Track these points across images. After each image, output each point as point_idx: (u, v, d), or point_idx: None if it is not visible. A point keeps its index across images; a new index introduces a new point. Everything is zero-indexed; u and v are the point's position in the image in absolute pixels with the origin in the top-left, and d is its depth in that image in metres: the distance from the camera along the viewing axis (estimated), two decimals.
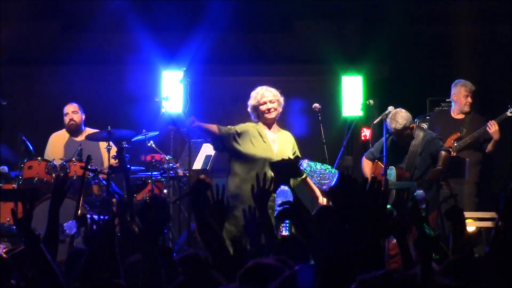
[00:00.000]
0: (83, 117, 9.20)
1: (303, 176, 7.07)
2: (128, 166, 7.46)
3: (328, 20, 11.21)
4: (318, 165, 5.39)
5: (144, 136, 8.80)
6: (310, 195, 7.49)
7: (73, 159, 8.60)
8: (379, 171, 7.91)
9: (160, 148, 8.89)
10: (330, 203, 5.50)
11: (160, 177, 8.95)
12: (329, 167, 5.36)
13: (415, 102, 9.49)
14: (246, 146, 7.17)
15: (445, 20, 11.05)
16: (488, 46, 10.70)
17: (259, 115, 7.26)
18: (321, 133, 7.27)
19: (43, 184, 8.49)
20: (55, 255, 3.94)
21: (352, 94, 9.21)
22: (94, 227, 3.81)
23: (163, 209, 3.41)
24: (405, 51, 11.05)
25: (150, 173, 8.77)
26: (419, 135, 7.82)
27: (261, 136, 7.23)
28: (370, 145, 8.18)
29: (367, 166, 8.15)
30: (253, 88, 8.71)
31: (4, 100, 9.17)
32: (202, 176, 6.91)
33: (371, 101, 8.15)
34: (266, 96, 7.26)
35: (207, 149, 8.74)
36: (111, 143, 8.65)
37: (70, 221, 4.90)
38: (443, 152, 7.73)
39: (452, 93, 8.94)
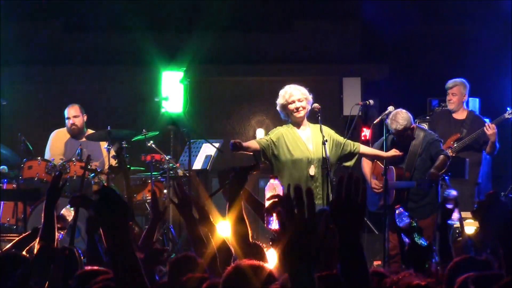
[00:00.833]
0: (85, 118, 9.18)
1: (358, 150, 7.21)
2: (128, 166, 7.46)
3: (328, 20, 11.21)
4: None
5: (144, 136, 8.79)
6: (375, 158, 7.60)
7: (73, 159, 8.60)
8: (379, 171, 7.91)
9: (160, 148, 8.88)
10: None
11: (160, 177, 8.95)
12: None
13: (415, 102, 9.48)
14: (283, 153, 7.14)
15: (445, 20, 11.06)
16: (488, 46, 10.70)
17: (288, 114, 7.21)
18: (321, 133, 7.26)
19: (43, 184, 8.49)
20: (51, 253, 3.93)
21: (352, 94, 9.22)
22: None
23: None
24: (405, 51, 11.05)
25: (150, 173, 8.76)
26: (420, 135, 7.81)
27: (293, 136, 7.20)
28: (370, 145, 8.17)
29: (367, 166, 8.14)
30: (252, 88, 8.79)
31: (4, 100, 9.16)
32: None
33: (371, 101, 8.14)
34: (294, 94, 7.21)
35: (207, 149, 8.74)
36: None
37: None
38: (441, 156, 7.72)
39: None
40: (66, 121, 9.12)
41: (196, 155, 8.77)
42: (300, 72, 10.83)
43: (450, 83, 8.92)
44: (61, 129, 9.23)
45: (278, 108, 7.24)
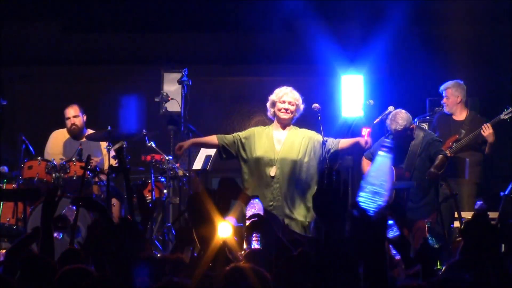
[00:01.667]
0: (85, 118, 9.16)
1: (337, 145, 7.19)
2: (128, 166, 7.45)
3: (328, 20, 11.20)
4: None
5: (144, 136, 8.79)
6: (350, 147, 7.57)
7: (73, 159, 8.60)
8: None
9: (160, 148, 8.89)
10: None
11: (160, 177, 8.94)
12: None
13: (415, 102, 9.48)
14: (249, 151, 7.21)
15: (445, 20, 11.05)
16: (488, 46, 10.70)
17: (275, 112, 7.26)
18: (321, 133, 7.26)
19: (43, 184, 8.48)
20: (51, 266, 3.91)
21: (352, 94, 9.22)
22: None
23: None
24: (405, 51, 11.05)
25: (150, 173, 8.76)
26: (419, 135, 7.81)
27: (266, 136, 7.24)
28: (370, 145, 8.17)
29: (367, 166, 8.14)
30: (252, 88, 8.78)
31: (4, 100, 9.16)
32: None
33: (371, 101, 8.14)
34: (288, 96, 7.25)
35: (207, 149, 8.74)
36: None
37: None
38: (440, 156, 7.73)
39: None
40: (66, 121, 9.11)
41: (196, 155, 8.77)
42: (300, 72, 10.84)
43: (442, 86, 8.97)
44: (60, 130, 9.22)
45: (268, 103, 7.30)
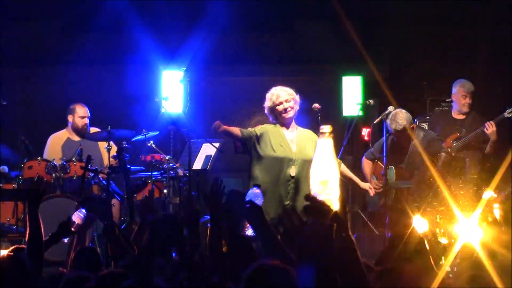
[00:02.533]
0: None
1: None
2: (128, 166, 7.45)
3: (328, 20, 11.20)
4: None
5: (144, 136, 8.79)
6: (351, 183, 7.63)
7: (73, 159, 8.60)
8: (379, 171, 7.91)
9: (160, 148, 8.89)
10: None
11: (160, 177, 8.95)
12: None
13: (415, 102, 9.49)
14: (265, 148, 7.17)
15: (445, 20, 11.05)
16: (488, 46, 10.70)
17: (277, 115, 7.23)
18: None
19: (43, 184, 8.47)
20: (41, 257, 3.92)
21: (352, 94, 9.22)
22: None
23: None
24: (405, 51, 11.05)
25: (150, 173, 8.76)
26: (420, 135, 7.82)
27: (280, 135, 7.22)
28: (370, 145, 8.18)
29: (367, 166, 8.15)
30: (252, 88, 8.75)
31: (4, 100, 9.16)
32: None
33: (371, 101, 8.14)
34: (281, 96, 7.22)
35: (207, 149, 8.74)
36: (111, 143, 8.64)
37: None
38: (443, 154, 7.73)
39: (452, 93, 8.92)
40: (79, 119, 9.07)
41: (196, 155, 8.77)
42: (300, 72, 10.84)
43: (471, 86, 8.86)
44: (57, 133, 9.20)
45: (266, 111, 7.29)
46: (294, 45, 11.27)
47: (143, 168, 9.12)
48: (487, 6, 10.66)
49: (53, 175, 8.49)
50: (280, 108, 7.18)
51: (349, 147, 8.72)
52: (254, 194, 3.94)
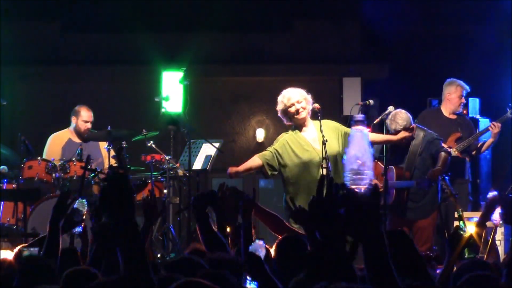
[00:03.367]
0: None
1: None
2: (128, 166, 7.45)
3: (328, 20, 11.21)
4: None
5: (144, 136, 8.79)
6: (385, 143, 7.59)
7: (73, 159, 8.59)
8: (379, 171, 7.90)
9: (160, 148, 8.88)
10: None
11: (160, 177, 8.94)
12: None
13: (415, 102, 9.48)
14: (290, 159, 7.07)
15: (445, 20, 11.06)
16: (488, 45, 10.70)
17: (290, 117, 7.15)
18: (321, 133, 7.24)
19: (43, 184, 8.48)
20: (55, 267, 3.90)
21: (352, 94, 9.22)
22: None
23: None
24: (405, 51, 11.05)
25: (150, 173, 8.76)
26: (419, 135, 7.81)
27: (300, 141, 7.13)
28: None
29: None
30: (252, 88, 8.76)
31: (4, 100, 9.15)
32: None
33: (371, 101, 8.13)
34: (292, 97, 7.13)
35: (207, 149, 8.74)
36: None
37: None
38: (443, 153, 7.72)
39: (446, 92, 8.80)
40: (82, 123, 9.01)
41: (196, 155, 8.77)
42: (300, 72, 10.83)
43: (466, 85, 8.83)
44: (58, 133, 9.18)
45: (279, 114, 7.17)
46: (294, 45, 11.27)
47: (143, 168, 9.12)
48: (488, 5, 10.66)
49: (53, 175, 8.49)
50: (292, 110, 7.09)
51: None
52: (257, 246, 3.96)
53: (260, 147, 10.01)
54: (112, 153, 8.42)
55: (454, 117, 8.77)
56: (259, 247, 3.82)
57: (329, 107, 9.18)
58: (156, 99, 9.33)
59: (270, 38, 11.34)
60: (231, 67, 11.24)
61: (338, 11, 11.22)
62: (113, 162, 8.32)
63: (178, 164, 8.87)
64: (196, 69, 9.91)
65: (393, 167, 7.76)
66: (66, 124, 9.18)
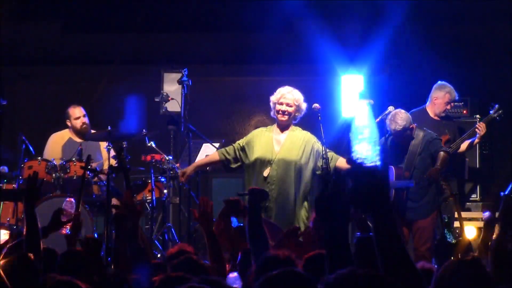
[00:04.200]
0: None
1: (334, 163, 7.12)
2: (128, 166, 7.45)
3: (328, 20, 11.21)
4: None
5: (144, 136, 8.79)
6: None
7: (73, 159, 8.59)
8: None
9: (160, 148, 8.89)
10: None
11: (160, 177, 8.94)
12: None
13: (415, 102, 9.48)
14: (250, 154, 7.15)
15: (445, 20, 11.05)
16: (488, 45, 10.70)
17: (274, 112, 7.22)
18: (321, 133, 7.26)
19: (43, 184, 8.47)
20: (38, 257, 3.90)
21: (352, 94, 9.22)
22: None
23: None
24: (405, 50, 11.05)
25: (150, 173, 8.76)
26: (419, 135, 7.82)
27: (266, 137, 7.18)
28: None
29: None
30: (252, 88, 8.73)
31: (4, 100, 9.15)
32: None
33: (371, 101, 8.14)
34: (286, 97, 7.16)
35: (207, 149, 8.75)
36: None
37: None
38: (442, 153, 7.73)
39: (434, 95, 8.77)
40: (75, 121, 9.02)
41: (196, 155, 8.78)
42: (300, 72, 10.84)
43: (455, 93, 8.82)
44: (58, 133, 9.18)
45: (270, 103, 7.27)
46: (294, 45, 11.27)
47: (143, 168, 9.12)
48: (487, 4, 10.66)
49: (53, 175, 8.49)
50: (278, 107, 7.17)
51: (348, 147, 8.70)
52: (233, 278, 3.99)
53: None
54: (113, 153, 8.42)
55: (438, 119, 8.72)
56: (234, 279, 3.86)
57: (329, 107, 9.18)
58: (156, 99, 9.34)
59: (270, 38, 11.34)
60: (231, 67, 11.24)
61: (338, 11, 11.22)
62: (113, 162, 8.32)
63: (178, 164, 8.88)
64: (196, 69, 9.91)
65: (392, 167, 7.77)
66: (66, 124, 9.19)
